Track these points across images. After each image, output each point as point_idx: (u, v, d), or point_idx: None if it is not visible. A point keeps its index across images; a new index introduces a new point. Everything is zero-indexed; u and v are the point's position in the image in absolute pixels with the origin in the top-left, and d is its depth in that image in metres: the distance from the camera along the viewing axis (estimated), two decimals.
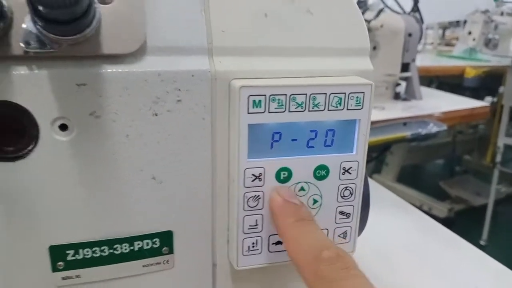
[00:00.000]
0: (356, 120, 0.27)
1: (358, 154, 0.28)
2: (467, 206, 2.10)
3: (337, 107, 0.27)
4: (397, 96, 1.26)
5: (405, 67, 1.26)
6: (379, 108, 1.13)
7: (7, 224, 0.24)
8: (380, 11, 1.15)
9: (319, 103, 0.26)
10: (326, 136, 0.27)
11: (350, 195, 0.29)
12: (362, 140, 0.28)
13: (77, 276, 0.27)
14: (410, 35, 1.24)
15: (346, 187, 0.29)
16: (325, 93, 0.26)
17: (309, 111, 0.26)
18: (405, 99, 1.27)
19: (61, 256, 0.26)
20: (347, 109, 0.27)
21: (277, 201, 0.26)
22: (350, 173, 0.28)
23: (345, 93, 0.27)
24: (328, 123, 0.27)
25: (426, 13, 1.38)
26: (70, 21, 0.20)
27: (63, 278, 0.26)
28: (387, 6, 1.31)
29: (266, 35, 0.26)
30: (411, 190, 2.07)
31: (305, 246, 0.24)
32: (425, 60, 2.01)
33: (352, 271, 0.23)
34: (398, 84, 1.27)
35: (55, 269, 0.26)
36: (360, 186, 0.29)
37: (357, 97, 0.27)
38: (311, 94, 0.26)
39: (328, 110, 0.27)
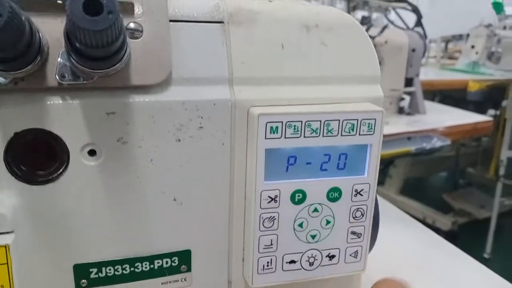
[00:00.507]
0: (368, 144, 0.29)
1: (370, 177, 0.29)
2: (471, 219, 2.10)
3: (349, 132, 0.28)
4: (401, 111, 1.28)
5: (408, 82, 1.28)
6: (384, 123, 1.14)
7: (35, 243, 0.25)
8: (385, 27, 1.17)
9: (332, 128, 0.28)
10: (339, 160, 0.29)
11: (362, 216, 0.30)
12: (373, 164, 0.29)
13: None
14: (413, 50, 1.26)
15: (358, 208, 0.30)
16: (339, 120, 0.28)
17: (323, 136, 0.28)
18: (409, 114, 1.28)
19: (84, 274, 0.27)
20: (359, 134, 0.28)
21: None
22: (361, 195, 0.30)
23: (357, 119, 0.28)
24: (341, 148, 0.28)
25: (428, 26, 1.40)
26: (105, 58, 0.21)
27: None
28: (390, 22, 1.33)
29: (282, 66, 0.28)
30: (415, 203, 2.07)
31: None
32: (428, 73, 2.03)
33: None
34: (402, 99, 1.28)
35: (78, 286, 0.27)
36: (371, 207, 0.30)
37: (369, 123, 0.28)
38: (325, 121, 0.27)
39: (341, 135, 0.28)
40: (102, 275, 0.27)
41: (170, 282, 0.29)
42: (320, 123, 0.27)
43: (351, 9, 1.30)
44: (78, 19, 0.18)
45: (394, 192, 2.02)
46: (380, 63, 0.32)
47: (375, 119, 0.28)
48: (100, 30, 0.18)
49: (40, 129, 0.23)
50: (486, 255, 1.88)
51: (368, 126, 0.28)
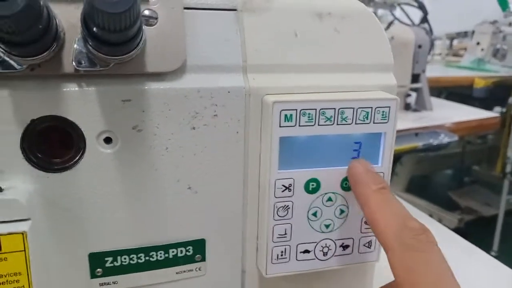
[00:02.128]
0: (382, 133, 0.29)
1: (384, 166, 0.29)
2: (477, 217, 2.09)
3: (364, 120, 0.28)
4: (407, 107, 1.27)
5: (415, 78, 1.28)
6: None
7: (51, 231, 0.25)
8: (390, 23, 1.17)
9: (347, 117, 0.27)
10: (353, 149, 0.29)
11: None
12: (387, 153, 0.29)
13: (114, 283, 0.28)
14: (420, 46, 1.25)
15: None
16: (353, 108, 0.27)
17: (337, 124, 0.28)
18: (415, 110, 1.28)
19: (100, 263, 0.27)
20: (374, 123, 0.28)
21: (360, 170, 0.27)
22: None
23: (371, 107, 0.28)
24: (355, 136, 0.28)
25: (433, 23, 1.39)
26: (121, 43, 0.21)
27: (101, 284, 0.28)
28: (396, 19, 1.33)
29: (296, 53, 0.28)
30: (421, 200, 2.07)
31: (389, 213, 0.25)
32: (433, 70, 2.02)
33: (435, 247, 0.23)
34: (408, 95, 1.28)
35: (93, 275, 0.27)
36: None
37: (383, 111, 0.28)
38: (339, 109, 0.27)
39: (356, 123, 0.28)
40: (117, 264, 0.27)
41: (184, 271, 0.29)
42: (335, 111, 0.27)
43: None
44: (97, 1, 0.18)
45: (400, 189, 2.02)
46: None
47: (389, 107, 0.28)
48: (119, 12, 0.18)
49: (56, 116, 0.24)
50: (493, 253, 1.87)
51: (382, 114, 0.28)
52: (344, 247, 0.31)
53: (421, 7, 1.32)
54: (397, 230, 0.24)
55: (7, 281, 0.22)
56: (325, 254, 0.30)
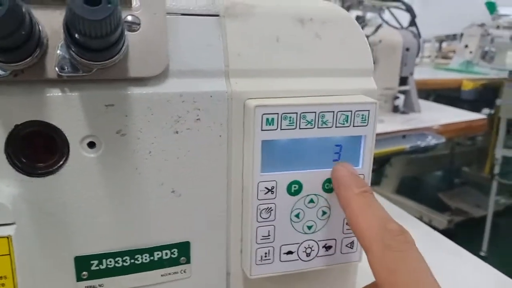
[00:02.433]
0: (362, 136, 0.29)
1: (364, 168, 0.30)
2: (467, 218, 2.11)
3: (344, 124, 0.29)
4: (396, 109, 1.29)
5: (403, 80, 1.29)
6: (379, 121, 1.15)
7: (36, 235, 0.26)
8: (379, 26, 1.18)
9: (327, 120, 0.28)
10: (334, 151, 0.29)
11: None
12: (367, 155, 0.30)
13: (100, 285, 0.28)
14: (407, 49, 1.27)
15: None
16: (333, 111, 0.28)
17: (318, 128, 0.28)
18: (403, 112, 1.29)
19: (85, 266, 0.27)
20: (353, 126, 0.29)
21: (343, 173, 0.28)
22: None
23: (351, 111, 0.28)
24: (336, 139, 0.29)
25: (422, 26, 1.41)
26: (104, 49, 0.22)
27: (87, 287, 0.28)
28: (385, 21, 1.34)
29: (278, 58, 0.28)
30: (411, 202, 2.09)
31: (370, 215, 0.26)
32: (422, 73, 2.04)
33: (413, 246, 0.24)
34: (396, 98, 1.29)
35: (79, 278, 0.28)
36: None
37: (362, 115, 0.29)
38: (320, 112, 0.28)
39: (336, 127, 0.28)
40: (103, 267, 0.28)
41: (169, 273, 0.29)
42: (315, 114, 0.28)
43: (345, 9, 1.30)
44: (78, 8, 0.18)
45: (390, 191, 2.04)
46: (374, 62, 0.33)
47: (369, 110, 0.29)
48: (100, 19, 0.19)
49: (40, 121, 0.24)
50: (482, 253, 1.89)
51: (362, 118, 0.29)
52: (327, 247, 0.31)
53: (409, 10, 1.34)
54: (377, 232, 0.25)
55: None
56: (308, 255, 0.31)
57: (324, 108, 0.28)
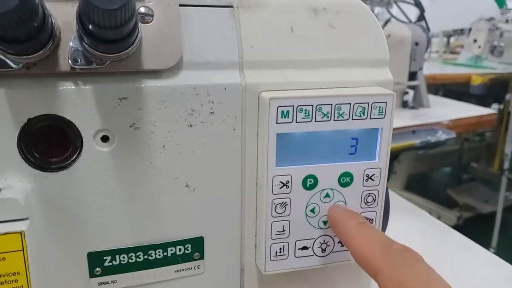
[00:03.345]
0: (378, 128, 0.29)
1: (381, 162, 0.29)
2: (476, 214, 2.09)
3: (360, 116, 0.28)
4: (405, 105, 1.28)
5: (412, 75, 1.28)
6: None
7: (49, 231, 0.25)
8: (387, 21, 1.17)
9: (343, 112, 0.28)
10: (350, 144, 0.29)
11: (373, 201, 0.30)
12: (384, 148, 0.29)
13: (113, 282, 0.28)
14: (416, 44, 1.26)
15: (369, 193, 0.30)
16: (350, 103, 0.27)
17: (334, 120, 0.28)
18: (413, 107, 1.28)
19: (98, 262, 0.27)
20: (370, 118, 0.28)
21: (338, 210, 0.29)
22: (373, 180, 0.30)
23: (368, 102, 0.28)
24: (352, 132, 0.28)
25: (430, 21, 1.40)
26: (117, 40, 0.21)
27: (100, 284, 0.28)
28: (393, 16, 1.33)
29: (292, 49, 0.28)
30: (420, 198, 2.07)
31: (372, 240, 0.26)
32: (431, 68, 2.03)
33: (421, 261, 0.24)
34: (406, 93, 1.28)
35: (92, 274, 0.27)
36: (382, 193, 0.30)
37: (379, 107, 0.28)
38: (336, 104, 0.27)
39: (352, 119, 0.28)
40: (116, 263, 0.27)
41: (183, 269, 0.29)
42: (331, 107, 0.27)
43: None
44: None
45: (399, 188, 2.02)
46: None
47: (386, 102, 0.28)
48: (115, 9, 0.18)
49: (53, 115, 0.23)
50: (491, 250, 1.87)
51: (379, 110, 0.28)
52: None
53: (418, 4, 1.33)
54: (382, 254, 0.24)
55: (5, 281, 0.22)
56: (323, 250, 0.30)
57: (341, 100, 0.27)
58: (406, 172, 2.05)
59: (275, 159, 0.27)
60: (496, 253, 0.55)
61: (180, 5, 0.25)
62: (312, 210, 0.29)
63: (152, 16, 0.24)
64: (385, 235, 0.26)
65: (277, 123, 0.27)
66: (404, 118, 1.16)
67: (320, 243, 0.30)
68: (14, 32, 0.19)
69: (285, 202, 0.28)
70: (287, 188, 0.28)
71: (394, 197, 0.73)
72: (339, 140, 0.28)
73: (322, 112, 0.27)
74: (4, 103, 0.23)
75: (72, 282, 0.27)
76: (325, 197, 0.29)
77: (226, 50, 0.26)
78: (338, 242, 0.30)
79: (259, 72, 0.27)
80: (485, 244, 1.86)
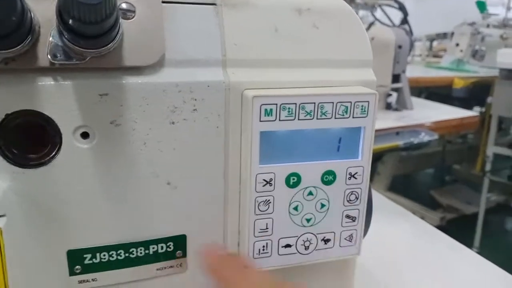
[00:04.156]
0: (361, 127, 0.29)
1: (363, 160, 0.30)
2: (458, 215, 2.12)
3: (343, 115, 0.28)
4: (388, 106, 1.29)
5: (395, 78, 1.29)
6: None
7: (28, 228, 0.25)
8: (371, 24, 1.18)
9: (326, 111, 0.28)
10: (333, 143, 0.29)
11: (356, 199, 0.30)
12: (367, 147, 0.29)
13: (93, 280, 0.27)
14: (400, 47, 1.27)
15: (352, 191, 0.30)
16: (333, 102, 0.28)
17: (317, 119, 0.28)
18: (396, 109, 1.30)
19: (78, 260, 0.27)
20: (353, 117, 0.28)
21: (213, 257, 0.27)
22: (356, 178, 0.30)
23: (351, 102, 0.28)
24: (335, 130, 0.29)
25: (413, 25, 1.42)
26: (97, 36, 0.21)
27: (80, 282, 0.27)
28: (377, 19, 1.34)
29: (276, 48, 0.28)
30: (403, 199, 2.09)
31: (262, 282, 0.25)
32: (414, 71, 2.05)
33: None
34: (389, 95, 1.29)
35: (72, 273, 0.27)
36: (365, 191, 0.30)
37: (362, 106, 0.28)
38: (319, 103, 0.27)
39: (335, 118, 0.28)
40: (97, 261, 0.27)
41: (165, 268, 0.29)
42: (314, 105, 0.27)
43: None
44: None
45: (383, 188, 2.04)
46: None
47: (368, 101, 0.28)
48: (95, 3, 0.18)
49: (32, 111, 0.23)
50: (474, 250, 1.90)
51: (362, 109, 0.28)
52: (326, 241, 0.31)
53: (402, 8, 1.34)
54: None
55: None
56: (306, 248, 0.30)
57: (324, 98, 0.27)
58: (389, 173, 2.07)
59: (258, 157, 0.27)
60: (479, 253, 0.56)
61: (163, 2, 0.25)
62: (296, 208, 0.29)
63: (134, 12, 0.24)
64: (270, 277, 0.25)
65: (260, 121, 0.27)
66: (388, 120, 1.17)
67: (303, 240, 0.30)
68: None
69: (268, 200, 0.28)
70: (270, 186, 0.28)
71: (379, 198, 0.73)
72: (322, 139, 0.29)
73: (306, 111, 0.27)
74: None
75: (52, 280, 0.27)
76: (308, 195, 0.29)
77: (209, 48, 0.26)
78: (321, 240, 0.31)
79: (242, 70, 0.27)
80: (468, 244, 1.89)
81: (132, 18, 0.24)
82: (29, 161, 0.24)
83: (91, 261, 0.27)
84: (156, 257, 0.28)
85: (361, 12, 1.47)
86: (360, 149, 0.29)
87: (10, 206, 0.23)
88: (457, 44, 2.19)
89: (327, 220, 0.30)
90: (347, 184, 0.30)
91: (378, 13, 1.46)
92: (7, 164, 0.23)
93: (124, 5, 0.24)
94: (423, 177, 2.76)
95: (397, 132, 1.06)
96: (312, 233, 0.30)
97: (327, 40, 0.30)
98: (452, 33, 2.29)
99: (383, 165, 2.04)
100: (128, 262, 0.28)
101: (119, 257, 0.27)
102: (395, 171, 2.12)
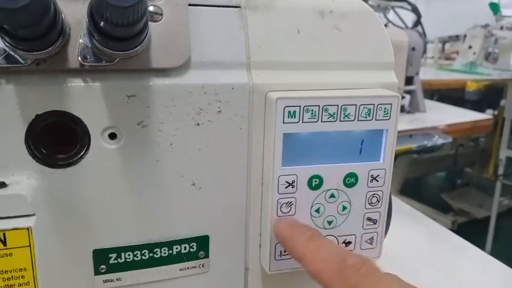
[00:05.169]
0: (383, 130, 0.29)
1: (385, 163, 0.30)
2: (470, 219, 2.10)
3: (366, 117, 0.28)
4: (401, 109, 1.28)
5: (409, 80, 1.29)
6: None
7: (55, 227, 0.25)
8: (385, 26, 1.18)
9: (349, 113, 0.28)
10: (355, 145, 0.29)
11: (377, 202, 0.30)
12: (389, 149, 0.29)
13: (118, 279, 0.28)
14: (413, 49, 1.26)
15: (374, 194, 0.30)
16: (355, 104, 0.28)
17: (340, 121, 0.28)
18: (409, 112, 1.29)
19: (104, 260, 0.27)
20: (376, 120, 0.28)
21: (283, 226, 0.27)
22: (377, 181, 0.30)
23: (374, 104, 0.28)
24: (358, 133, 0.29)
25: (425, 27, 1.41)
26: (127, 38, 0.21)
27: (105, 281, 0.28)
28: (390, 22, 1.34)
29: (298, 50, 0.28)
30: (414, 203, 2.08)
31: (326, 257, 0.25)
32: (426, 73, 2.04)
33: (378, 273, 0.23)
34: (402, 97, 1.29)
35: (97, 272, 0.27)
36: (386, 194, 0.30)
37: (385, 108, 0.28)
38: (342, 105, 0.27)
39: (358, 120, 0.28)
40: (121, 260, 0.27)
41: (188, 268, 0.29)
42: (337, 107, 0.27)
43: None
44: None
45: (394, 192, 2.03)
46: None
47: (391, 104, 0.28)
48: (127, 6, 0.18)
49: (61, 111, 0.23)
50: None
51: (384, 111, 0.28)
52: (347, 243, 0.31)
53: (415, 10, 1.34)
54: (338, 271, 0.23)
55: (12, 277, 0.22)
56: None
57: (347, 101, 0.27)
58: (401, 176, 2.06)
59: (281, 158, 0.27)
60: None
61: (189, 5, 0.25)
62: (317, 210, 0.29)
63: (162, 15, 0.24)
64: (339, 247, 0.25)
65: (283, 123, 0.27)
66: (401, 123, 1.16)
67: None
68: (26, 30, 0.19)
69: (290, 202, 0.28)
70: (292, 187, 0.28)
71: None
72: (345, 141, 0.29)
73: (329, 113, 0.27)
74: (12, 98, 0.23)
75: (77, 279, 0.27)
76: (330, 197, 0.29)
77: (233, 50, 0.26)
78: (342, 242, 0.31)
79: (266, 72, 0.27)
80: (479, 248, 1.88)
81: (159, 21, 0.24)
82: (58, 161, 0.24)
83: (116, 261, 0.27)
84: (179, 258, 0.28)
85: None
86: (382, 151, 0.29)
87: (39, 206, 0.24)
88: (470, 47, 2.18)
89: (348, 223, 0.30)
90: (368, 187, 0.30)
91: (391, 15, 1.46)
92: (36, 164, 0.24)
93: (151, 8, 0.24)
94: (435, 180, 2.74)
95: (410, 134, 1.05)
96: (333, 235, 0.30)
97: (349, 42, 0.30)
98: (465, 35, 2.28)
99: (394, 167, 2.03)
100: (152, 262, 0.28)
101: (143, 257, 0.28)
102: (407, 174, 2.11)
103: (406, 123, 1.17)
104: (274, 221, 0.28)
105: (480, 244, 1.86)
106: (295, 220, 0.28)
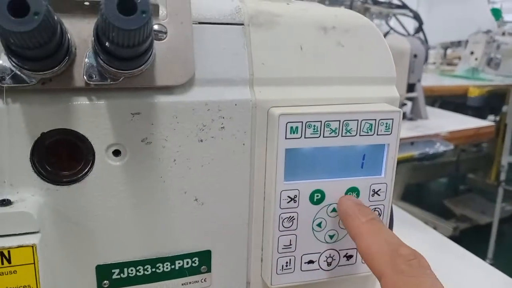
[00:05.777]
0: (385, 144, 0.29)
1: (387, 177, 0.30)
2: (472, 225, 2.10)
3: (367, 132, 0.28)
4: (403, 116, 1.29)
5: (410, 87, 1.29)
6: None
7: (59, 243, 0.26)
8: (386, 34, 1.18)
9: (351, 128, 0.28)
10: (357, 160, 0.29)
11: (379, 216, 0.30)
12: (390, 164, 0.30)
13: None
14: (415, 56, 1.27)
15: (375, 208, 0.30)
16: (357, 120, 0.28)
17: (342, 136, 0.28)
18: (411, 119, 1.29)
19: (107, 275, 0.27)
20: (377, 134, 0.29)
21: (349, 203, 0.28)
22: (379, 195, 0.30)
23: (375, 119, 0.28)
24: (359, 148, 0.29)
25: (427, 33, 1.41)
26: (133, 58, 0.22)
27: None
28: (392, 29, 1.34)
29: (301, 66, 0.28)
30: (416, 209, 2.07)
31: (381, 240, 0.25)
32: (428, 79, 2.04)
33: (428, 271, 0.24)
34: (404, 104, 1.29)
35: (100, 287, 0.27)
36: (388, 207, 0.31)
37: (386, 123, 0.29)
38: (344, 121, 0.28)
39: (360, 135, 0.28)
40: (124, 275, 0.27)
41: (190, 282, 0.29)
42: (339, 123, 0.28)
43: None
44: (112, 17, 0.18)
45: (396, 198, 2.02)
46: None
47: (393, 119, 0.29)
48: (134, 29, 0.19)
49: (66, 129, 0.24)
50: (488, 260, 1.87)
51: (386, 126, 0.29)
52: (348, 257, 0.31)
53: (416, 17, 1.34)
54: (389, 257, 0.24)
55: None
56: (329, 264, 0.31)
57: (349, 116, 0.28)
58: (403, 182, 2.06)
59: (283, 174, 0.28)
60: (493, 264, 0.55)
61: (193, 23, 0.25)
62: (319, 225, 0.29)
63: (166, 33, 0.24)
64: (395, 236, 0.26)
65: (286, 138, 0.27)
66: (403, 130, 1.16)
67: (326, 257, 0.30)
68: (33, 51, 0.19)
69: (293, 217, 0.29)
70: (294, 202, 0.28)
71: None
72: (347, 156, 0.29)
73: (330, 128, 0.28)
74: (18, 117, 0.23)
75: None
76: (331, 211, 0.29)
77: (237, 67, 0.27)
78: (343, 256, 0.31)
79: (268, 88, 0.28)
80: (482, 255, 1.86)
81: (163, 39, 0.24)
82: (63, 178, 0.25)
83: (118, 276, 0.27)
84: (182, 272, 0.29)
85: (376, 21, 1.47)
86: (383, 166, 0.30)
87: (44, 223, 0.24)
88: (472, 52, 2.18)
89: (349, 237, 0.30)
90: (370, 201, 0.30)
91: (393, 22, 1.46)
92: (41, 181, 0.24)
93: (156, 27, 0.24)
94: (437, 186, 2.73)
95: (412, 142, 1.06)
96: (335, 250, 0.30)
97: (352, 57, 0.30)
98: (466, 41, 2.28)
99: (396, 174, 2.03)
100: (155, 277, 0.28)
101: (146, 272, 0.28)
102: (408, 180, 2.10)
103: (408, 130, 1.17)
104: (340, 199, 0.29)
105: (483, 250, 1.86)
106: (358, 200, 0.29)
